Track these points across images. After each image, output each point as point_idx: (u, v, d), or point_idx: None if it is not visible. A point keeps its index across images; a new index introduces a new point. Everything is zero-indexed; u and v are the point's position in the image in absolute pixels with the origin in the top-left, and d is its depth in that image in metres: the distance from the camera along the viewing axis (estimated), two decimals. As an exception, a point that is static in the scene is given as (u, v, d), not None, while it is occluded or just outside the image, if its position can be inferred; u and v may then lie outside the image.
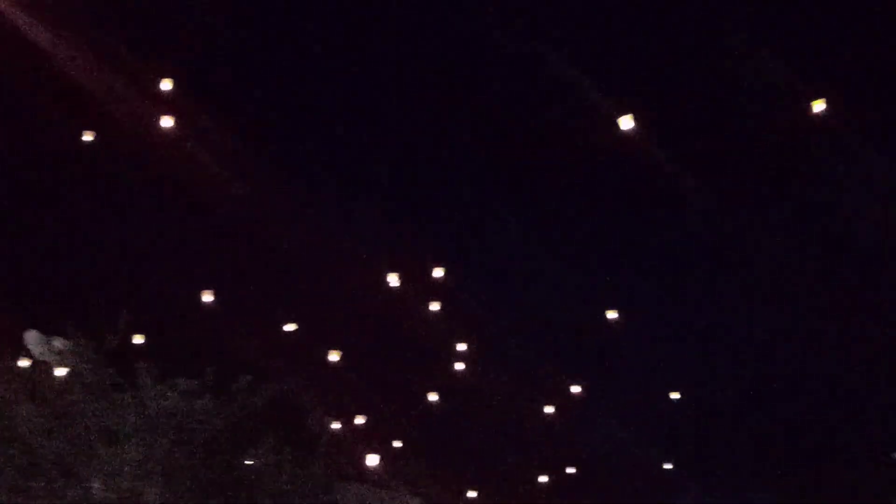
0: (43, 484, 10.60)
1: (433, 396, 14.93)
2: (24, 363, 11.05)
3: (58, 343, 10.94)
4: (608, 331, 15.30)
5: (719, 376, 17.60)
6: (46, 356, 10.96)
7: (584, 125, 13.68)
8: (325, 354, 13.70)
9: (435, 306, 14.48)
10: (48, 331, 11.23)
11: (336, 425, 13.31)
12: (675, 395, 16.60)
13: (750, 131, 14.04)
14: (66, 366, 10.80)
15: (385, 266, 14.11)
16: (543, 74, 13.93)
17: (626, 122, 10.79)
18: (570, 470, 16.33)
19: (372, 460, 13.50)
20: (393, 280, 14.01)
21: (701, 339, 17.50)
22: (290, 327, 14.03)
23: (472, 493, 15.27)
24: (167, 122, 11.72)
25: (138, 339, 11.57)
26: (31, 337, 11.13)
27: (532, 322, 16.43)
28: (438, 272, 13.99)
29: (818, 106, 10.98)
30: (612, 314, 14.76)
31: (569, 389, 15.49)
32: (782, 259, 15.41)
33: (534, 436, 15.99)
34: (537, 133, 14.93)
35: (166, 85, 11.56)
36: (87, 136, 11.93)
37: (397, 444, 14.55)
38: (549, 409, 15.43)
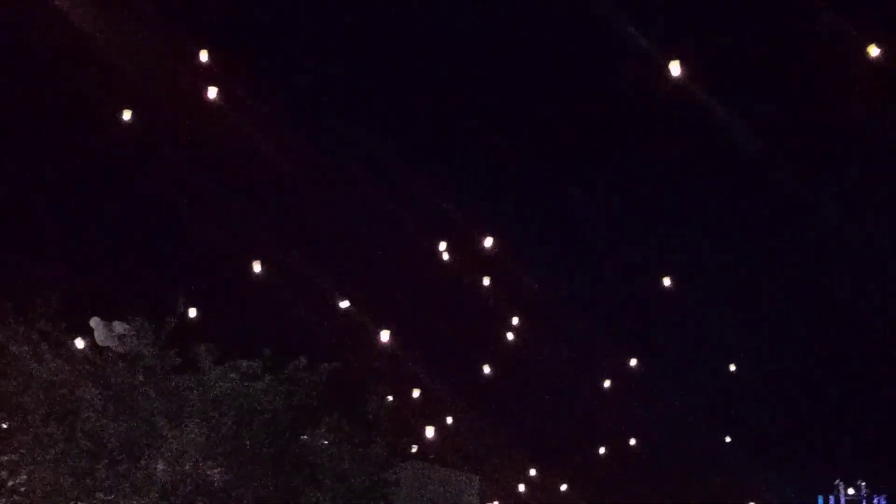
0: (108, 466, 10.66)
1: (487, 368, 14.90)
2: (80, 343, 11.11)
3: (119, 327, 10.99)
4: (665, 303, 15.16)
5: (779, 349, 17.33)
6: (109, 341, 11.02)
7: (640, 90, 13.41)
8: (380, 332, 13.68)
9: (488, 281, 14.41)
10: (109, 316, 11.29)
11: (395, 402, 13.29)
12: (732, 368, 16.42)
13: (820, 90, 13.58)
14: (127, 349, 10.86)
15: (439, 240, 14.03)
16: (601, 37, 13.65)
17: (675, 68, 10.76)
18: (632, 441, 16.18)
19: (429, 432, 13.53)
20: (445, 250, 13.97)
21: (762, 311, 17.23)
22: (344, 304, 14.03)
23: (532, 472, 15.20)
24: (213, 93, 11.59)
25: (193, 313, 11.60)
26: (94, 323, 11.19)
27: (588, 295, 16.30)
28: (489, 242, 13.93)
29: (874, 50, 10.68)
30: (667, 281, 14.71)
31: (627, 363, 15.37)
32: (855, 221, 14.99)
33: (591, 410, 15.88)
34: (594, 102, 14.71)
35: (204, 57, 11.45)
36: (126, 115, 11.93)
37: (456, 421, 14.52)
38: (606, 384, 15.32)
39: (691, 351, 17.22)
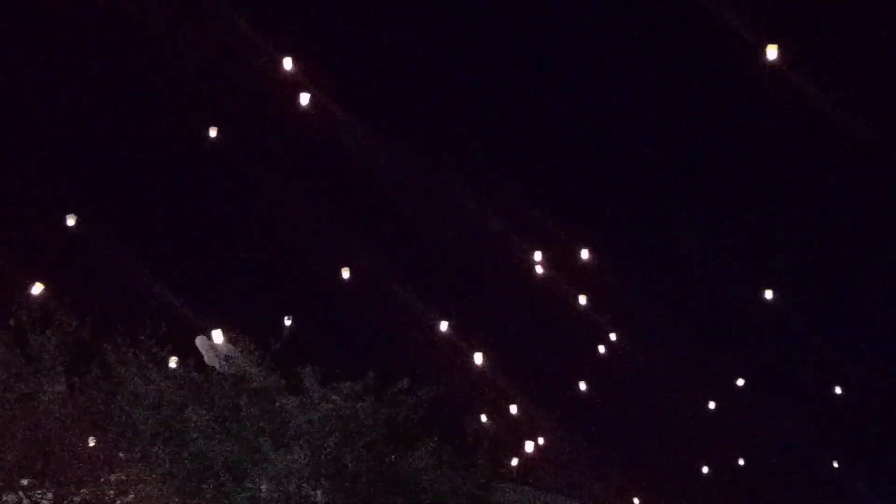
0: (213, 486, 10.76)
1: (586, 387, 14.69)
2: (172, 363, 11.24)
3: (225, 348, 11.11)
4: (771, 321, 14.73)
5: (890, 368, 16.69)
6: (214, 361, 11.16)
7: (740, 95, 13.01)
8: (477, 353, 13.60)
9: (585, 298, 14.19)
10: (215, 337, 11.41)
11: (493, 424, 13.18)
12: (838, 390, 15.88)
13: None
14: (233, 371, 10.97)
15: (535, 255, 13.85)
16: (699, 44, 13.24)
17: (772, 53, 10.37)
18: (740, 461, 15.72)
19: (529, 447, 13.40)
20: (540, 261, 13.79)
21: (874, 330, 16.63)
22: (443, 326, 13.98)
23: (636, 501, 14.90)
24: (304, 99, 11.46)
25: (287, 322, 11.64)
26: (201, 342, 11.34)
27: (691, 313, 15.92)
28: (585, 255, 13.71)
29: None
30: (769, 294, 14.28)
31: (732, 382, 14.99)
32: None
33: (696, 432, 15.51)
34: (691, 112, 14.38)
35: (289, 65, 11.34)
36: (212, 132, 12.04)
37: (556, 444, 14.33)
38: (711, 405, 14.95)
39: (799, 371, 16.69)
